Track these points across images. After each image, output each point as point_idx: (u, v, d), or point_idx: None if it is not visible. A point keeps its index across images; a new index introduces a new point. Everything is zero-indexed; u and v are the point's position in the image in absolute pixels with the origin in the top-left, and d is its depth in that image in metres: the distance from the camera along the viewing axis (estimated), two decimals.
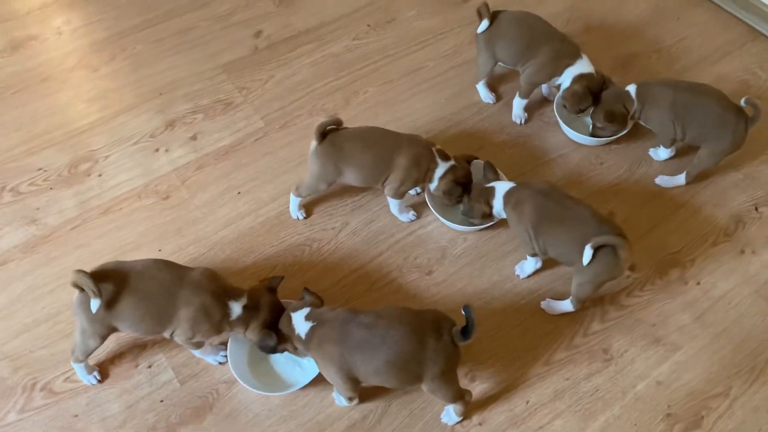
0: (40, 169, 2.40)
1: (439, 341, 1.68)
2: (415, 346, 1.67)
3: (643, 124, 2.33)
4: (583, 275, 1.92)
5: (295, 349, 1.78)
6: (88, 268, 1.71)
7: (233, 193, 2.34)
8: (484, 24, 2.39)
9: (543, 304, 2.07)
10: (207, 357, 1.94)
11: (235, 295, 1.79)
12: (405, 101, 2.61)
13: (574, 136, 2.41)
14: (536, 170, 2.40)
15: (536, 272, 2.14)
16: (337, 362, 1.71)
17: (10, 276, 2.12)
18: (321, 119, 2.38)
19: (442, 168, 2.08)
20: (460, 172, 2.10)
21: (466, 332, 1.69)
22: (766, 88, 2.64)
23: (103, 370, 1.96)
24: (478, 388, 1.94)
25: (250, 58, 2.75)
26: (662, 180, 2.35)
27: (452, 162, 2.11)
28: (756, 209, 2.30)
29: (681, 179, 2.33)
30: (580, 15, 2.90)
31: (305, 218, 2.27)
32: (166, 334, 1.80)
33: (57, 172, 2.39)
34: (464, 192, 2.12)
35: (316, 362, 1.76)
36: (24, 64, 2.69)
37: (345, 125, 2.12)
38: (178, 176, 2.38)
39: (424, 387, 1.74)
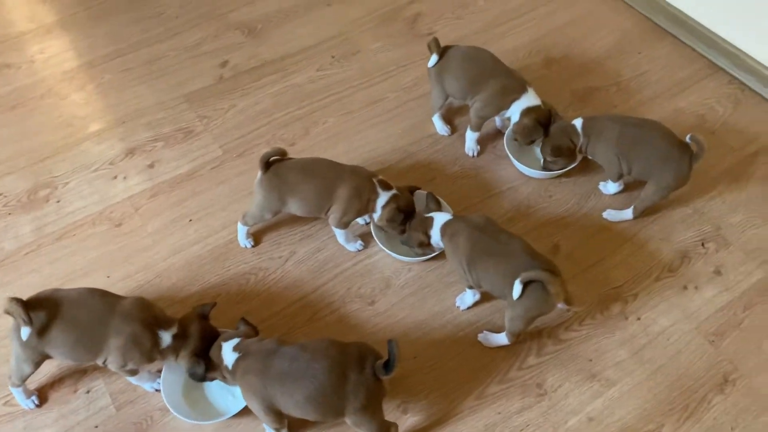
0: (0, 194, 2.46)
1: (360, 375, 1.70)
2: (335, 380, 1.69)
3: (590, 158, 2.35)
4: (514, 309, 1.93)
5: (224, 377, 1.81)
6: (36, 293, 1.76)
7: (185, 221, 2.38)
8: (433, 59, 2.43)
9: (480, 337, 2.08)
10: (143, 384, 1.97)
11: (166, 324, 1.82)
12: (363, 132, 2.65)
13: (524, 169, 2.44)
14: (486, 202, 2.42)
15: (476, 304, 2.15)
16: (259, 394, 1.73)
17: None
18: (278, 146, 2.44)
19: (383, 197, 2.12)
20: (402, 201, 2.13)
21: (388, 366, 1.70)
22: (722, 123, 2.65)
23: (43, 395, 1.99)
24: (409, 421, 1.94)
25: (214, 87, 2.81)
26: (609, 214, 2.36)
27: (394, 191, 2.14)
28: (703, 245, 2.30)
29: (628, 214, 2.34)
30: (541, 48, 2.94)
31: (253, 247, 2.31)
32: (99, 362, 1.83)
33: (17, 197, 2.45)
34: (407, 221, 2.14)
35: (242, 393, 1.79)
36: None
37: (302, 154, 2.18)
38: (133, 204, 2.43)
39: (347, 420, 1.76)
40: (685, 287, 2.20)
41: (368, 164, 2.52)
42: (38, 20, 3.10)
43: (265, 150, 2.13)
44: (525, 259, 1.89)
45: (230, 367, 1.76)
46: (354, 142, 2.62)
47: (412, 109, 2.71)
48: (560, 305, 2.04)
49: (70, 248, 2.32)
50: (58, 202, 2.44)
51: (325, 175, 2.12)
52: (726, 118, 2.67)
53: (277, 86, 2.82)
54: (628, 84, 2.80)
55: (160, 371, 1.97)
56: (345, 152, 2.57)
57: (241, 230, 2.28)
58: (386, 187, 2.14)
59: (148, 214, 2.40)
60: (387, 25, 3.06)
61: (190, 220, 2.39)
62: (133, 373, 1.89)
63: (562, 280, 1.90)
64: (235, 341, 1.80)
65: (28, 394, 1.95)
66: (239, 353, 1.77)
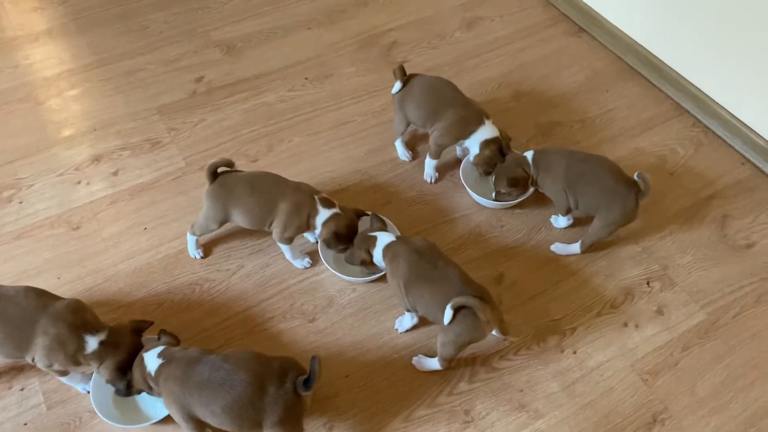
0: None
1: (279, 389, 1.72)
2: (253, 392, 1.71)
3: (540, 190, 2.38)
4: (445, 335, 1.95)
5: (150, 388, 1.83)
6: None
7: (140, 229, 2.43)
8: (397, 86, 2.49)
9: (414, 360, 2.09)
10: (75, 385, 2.00)
11: (94, 329, 1.85)
12: (326, 152, 2.70)
13: (478, 198, 2.47)
14: (438, 228, 2.45)
15: (414, 328, 2.17)
16: (179, 401, 1.75)
17: None
18: (240, 161, 2.50)
19: (323, 215, 2.15)
20: (342, 221, 2.16)
21: (308, 383, 1.72)
22: (682, 165, 2.67)
23: None
24: None
25: (186, 101, 2.88)
26: (557, 247, 2.38)
27: (335, 210, 2.17)
28: (648, 284, 2.31)
29: (576, 248, 2.35)
30: (511, 81, 2.99)
31: (202, 258, 2.34)
32: (28, 360, 1.86)
33: None
34: (348, 241, 2.17)
35: (163, 400, 1.81)
36: None
37: (265, 168, 2.22)
38: (92, 209, 2.48)
39: None
40: (626, 324, 2.21)
41: (327, 184, 2.57)
42: (28, 28, 3.20)
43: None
44: (458, 285, 1.91)
45: (153, 373, 1.79)
46: (316, 161, 2.66)
47: (377, 133, 2.76)
48: (495, 333, 2.06)
49: (25, 248, 2.37)
50: (21, 203, 2.50)
51: (268, 190, 2.16)
52: (686, 161, 2.69)
53: (247, 103, 2.88)
54: (593, 121, 2.84)
55: (93, 373, 1.99)
56: (306, 171, 2.62)
57: (191, 240, 2.32)
58: (328, 204, 2.17)
59: (105, 219, 2.45)
60: (363, 51, 3.12)
61: (145, 228, 2.43)
62: (63, 373, 1.92)
63: (494, 307, 1.91)
64: (159, 349, 1.83)
65: None
66: (163, 360, 1.80)
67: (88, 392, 1.99)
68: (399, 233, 2.31)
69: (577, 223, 2.44)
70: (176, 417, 1.79)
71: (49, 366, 1.85)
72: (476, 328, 1.90)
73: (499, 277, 2.31)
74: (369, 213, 2.26)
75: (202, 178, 2.49)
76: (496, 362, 2.11)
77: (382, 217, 2.23)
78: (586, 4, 3.19)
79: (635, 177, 2.22)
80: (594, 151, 2.60)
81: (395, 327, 2.18)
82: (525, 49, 3.16)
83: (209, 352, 1.82)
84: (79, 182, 2.57)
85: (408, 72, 2.52)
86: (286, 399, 1.72)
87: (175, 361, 1.78)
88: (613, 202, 2.22)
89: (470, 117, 2.39)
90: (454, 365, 2.09)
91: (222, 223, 2.22)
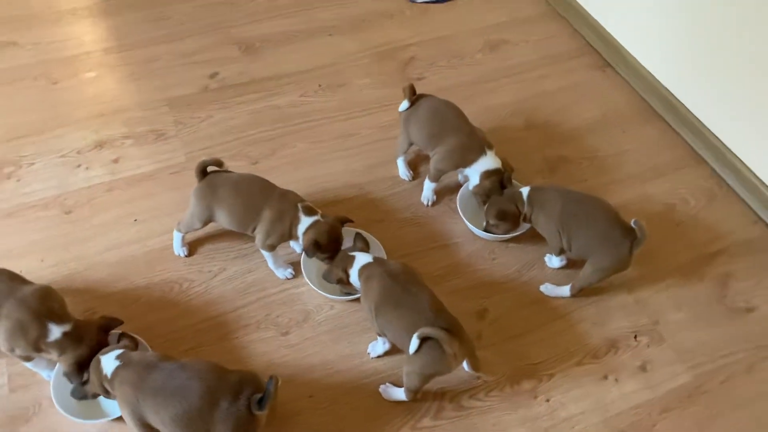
0: None
1: (232, 405, 1.68)
2: (205, 405, 1.68)
3: (535, 228, 2.31)
4: (410, 365, 1.90)
5: (106, 392, 1.81)
6: None
7: (130, 220, 2.43)
8: (404, 104, 2.45)
9: (381, 388, 2.05)
10: (40, 371, 2.00)
11: (60, 319, 1.85)
12: (327, 162, 2.67)
13: (472, 228, 2.41)
14: (427, 252, 2.40)
15: (387, 354, 2.13)
16: (131, 406, 1.73)
17: None
18: (241, 163, 2.48)
19: (305, 223, 2.12)
20: (322, 228, 2.12)
21: (261, 402, 1.69)
22: (691, 216, 2.58)
23: None
24: None
25: (197, 96, 2.88)
26: (547, 288, 2.31)
27: (317, 218, 2.14)
28: (635, 338, 2.22)
29: (565, 291, 2.28)
30: (525, 109, 2.92)
31: (187, 257, 2.33)
32: None
33: None
34: (329, 248, 2.13)
35: (118, 403, 1.79)
36: None
37: (263, 174, 2.24)
38: (88, 194, 2.49)
39: None
40: (606, 377, 2.13)
41: (323, 195, 2.54)
42: (54, 6, 3.24)
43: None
44: (428, 314, 1.86)
45: (109, 376, 1.77)
46: (316, 170, 2.63)
47: (380, 149, 2.72)
48: (467, 368, 2.00)
49: (14, 227, 2.38)
50: (18, 181, 2.52)
51: (253, 194, 2.14)
52: (696, 212, 2.59)
53: (257, 105, 2.87)
54: (604, 160, 2.76)
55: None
56: (304, 179, 2.59)
57: (177, 238, 2.31)
58: (310, 212, 2.14)
59: (98, 206, 2.46)
60: (380, 64, 3.09)
61: (136, 220, 2.43)
62: (26, 359, 1.92)
63: (464, 341, 1.86)
64: (117, 352, 1.81)
65: None
66: (120, 363, 1.78)
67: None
68: (384, 254, 2.26)
69: (572, 265, 2.36)
70: (128, 421, 1.77)
71: (11, 350, 1.85)
72: (442, 361, 1.85)
73: (483, 311, 2.25)
74: (352, 220, 2.22)
75: None
76: (465, 400, 2.05)
77: (366, 236, 2.19)
78: (615, 39, 3.11)
79: (632, 224, 2.14)
80: (600, 192, 2.51)
81: (368, 351, 2.13)
82: (545, 77, 3.09)
83: (167, 359, 1.79)
84: (79, 166, 2.59)
85: (420, 91, 2.48)
86: (238, 416, 1.69)
87: (132, 366, 1.77)
88: (606, 248, 2.14)
89: (472, 145, 2.34)
90: (421, 398, 2.03)
91: (206, 222, 2.20)
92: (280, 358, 2.12)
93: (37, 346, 1.83)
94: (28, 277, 2.00)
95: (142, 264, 2.31)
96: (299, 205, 2.13)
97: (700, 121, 2.78)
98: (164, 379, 1.72)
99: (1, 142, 2.64)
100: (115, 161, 2.61)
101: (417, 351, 1.85)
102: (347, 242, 2.19)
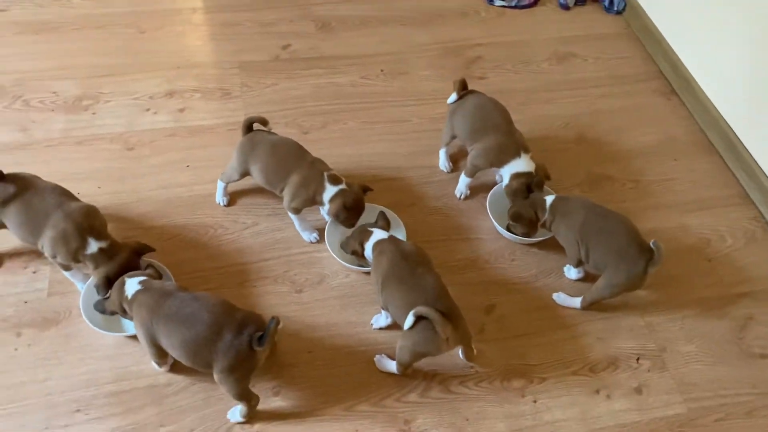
0: (54, 92, 2.83)
1: (235, 338, 1.82)
2: (210, 335, 1.82)
3: (556, 237, 2.35)
4: (403, 340, 1.99)
5: (124, 312, 1.98)
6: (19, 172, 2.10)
7: (183, 165, 2.62)
8: (452, 97, 2.53)
9: (376, 358, 2.14)
10: (76, 282, 2.21)
11: (99, 235, 2.04)
12: (373, 143, 2.78)
13: (498, 227, 2.46)
14: (449, 242, 2.47)
15: (389, 328, 2.22)
16: (145, 327, 1.90)
17: None
18: (292, 131, 2.63)
19: (330, 191, 2.24)
20: (348, 196, 2.24)
21: (261, 339, 1.82)
22: (724, 254, 2.53)
23: (0, 259, 2.28)
24: (275, 404, 2.05)
25: (267, 63, 3.06)
26: (559, 297, 2.34)
27: (342, 186, 2.25)
28: (637, 360, 2.22)
29: (576, 302, 2.30)
30: (579, 124, 2.93)
31: (226, 206, 2.50)
32: (39, 247, 2.09)
33: (64, 99, 2.81)
34: (355, 215, 2.25)
35: (134, 323, 1.96)
36: (91, 9, 3.18)
37: (312, 144, 2.39)
38: (151, 136, 2.71)
39: (214, 376, 1.88)
40: (597, 392, 2.14)
41: (363, 172, 2.65)
42: None
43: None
44: (429, 296, 1.94)
45: (129, 297, 1.94)
46: (361, 148, 2.75)
47: (426, 138, 2.81)
48: (461, 356, 2.07)
49: (82, 154, 2.62)
50: (94, 114, 2.77)
51: (286, 158, 2.28)
52: (731, 251, 2.55)
53: (320, 80, 3.01)
54: (649, 185, 2.74)
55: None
56: (348, 155, 2.71)
57: (219, 187, 2.48)
58: (335, 181, 2.26)
59: (158, 148, 2.67)
60: (445, 58, 3.17)
61: (188, 166, 2.62)
62: (66, 267, 2.13)
63: (459, 328, 1.93)
64: (141, 278, 1.98)
65: None
66: (141, 287, 1.95)
67: None
68: (404, 235, 2.35)
69: (589, 279, 2.37)
70: (142, 341, 1.94)
71: (54, 257, 2.06)
72: (433, 342, 1.93)
73: (491, 307, 2.31)
74: (372, 189, 2.33)
75: None
76: (453, 386, 2.12)
77: (391, 216, 2.29)
78: (686, 68, 3.06)
79: (651, 244, 2.14)
80: (637, 217, 2.50)
81: (371, 322, 2.23)
82: (607, 96, 3.08)
83: (183, 290, 1.95)
84: (148, 109, 2.81)
85: (479, 90, 2.55)
86: (239, 349, 1.82)
87: (151, 291, 1.93)
88: (620, 264, 2.16)
89: (508, 146, 2.39)
90: (411, 374, 2.12)
91: (242, 175, 2.36)
92: (289, 312, 2.25)
93: (75, 257, 2.04)
94: (83, 200, 2.20)
95: (185, 206, 2.50)
96: (325, 174, 2.25)
97: (756, 162, 2.71)
98: (178, 306, 1.88)
99: (85, 77, 2.89)
100: (181, 111, 2.82)
101: (411, 328, 1.93)
102: (372, 219, 2.29)
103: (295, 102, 2.91)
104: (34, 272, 2.27)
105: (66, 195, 2.11)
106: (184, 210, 2.48)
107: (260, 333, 1.83)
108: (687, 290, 2.41)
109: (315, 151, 2.38)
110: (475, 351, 2.12)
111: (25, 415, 1.96)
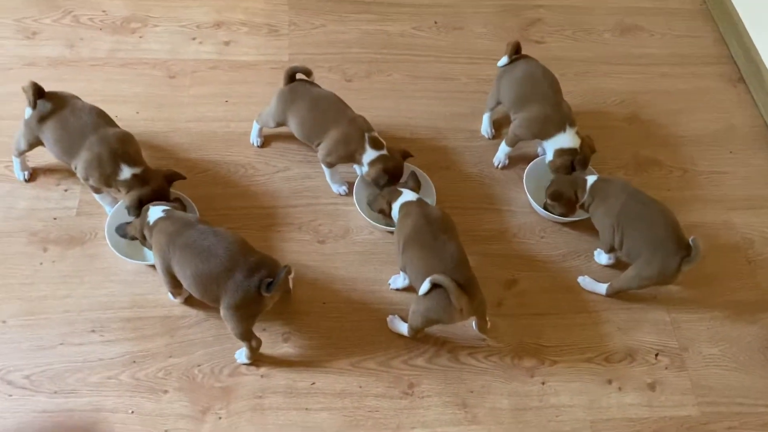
0: (104, 11, 2.81)
1: (245, 280, 1.82)
2: (222, 272, 1.83)
3: (591, 218, 2.26)
4: (417, 305, 1.96)
5: (144, 238, 1.99)
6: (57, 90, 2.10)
7: (222, 99, 2.60)
8: (503, 60, 2.42)
9: (389, 318, 2.13)
10: (104, 204, 2.23)
11: (132, 162, 2.05)
12: (416, 99, 2.70)
13: (532, 202, 2.39)
14: (479, 211, 2.42)
15: (405, 290, 2.19)
16: (162, 254, 1.92)
17: (23, 76, 2.53)
18: (335, 77, 2.57)
19: (370, 155, 2.19)
20: (390, 163, 2.20)
21: (269, 286, 1.82)
22: (765, 258, 2.41)
23: (34, 174, 2.33)
24: (283, 349, 2.06)
25: (318, 3, 2.98)
26: (584, 281, 2.27)
27: (383, 152, 2.20)
28: (656, 356, 2.16)
29: (602, 288, 2.24)
30: (635, 102, 2.79)
31: (260, 147, 2.48)
32: (73, 167, 2.11)
33: (113, 19, 2.79)
34: (393, 182, 2.21)
35: (153, 249, 1.98)
36: None
37: (355, 94, 2.41)
38: (193, 66, 2.68)
39: (220, 312, 1.90)
40: (610, 382, 2.10)
41: (400, 128, 2.59)
42: None
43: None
44: (448, 264, 1.90)
45: (151, 223, 1.95)
46: (402, 103, 2.68)
47: (472, 100, 2.71)
48: (475, 329, 2.04)
49: (125, 77, 2.62)
50: (141, 37, 2.75)
51: (326, 112, 2.23)
52: None
53: (370, 26, 2.92)
54: (697, 176, 2.61)
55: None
56: (388, 108, 2.65)
57: (255, 128, 2.45)
58: (376, 145, 2.20)
59: (199, 79, 2.65)
60: (503, 17, 3.03)
61: (227, 101, 2.60)
62: (96, 190, 2.15)
63: (475, 300, 1.90)
64: (165, 207, 1.99)
65: (24, 167, 2.28)
66: (163, 215, 1.96)
67: None
68: (434, 199, 2.30)
69: (619, 265, 2.29)
70: (158, 267, 1.96)
71: (86, 179, 2.08)
72: (446, 311, 1.90)
73: (512, 281, 2.26)
74: (413, 155, 2.27)
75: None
76: (463, 356, 2.10)
77: (422, 177, 2.24)
78: (760, 56, 2.86)
79: (690, 241, 2.04)
80: (680, 207, 2.40)
81: (389, 281, 2.21)
82: (669, 76, 2.92)
83: (205, 223, 1.95)
84: (194, 39, 2.77)
85: (534, 56, 2.45)
86: (247, 290, 1.83)
87: (172, 219, 1.94)
88: (654, 256, 2.07)
89: (554, 119, 2.29)
90: (422, 338, 2.10)
91: (279, 124, 2.33)
92: (310, 261, 2.24)
93: (108, 181, 2.05)
94: (120, 123, 2.21)
95: (220, 141, 2.48)
96: (366, 135, 2.19)
97: None
98: (196, 238, 1.88)
99: (134, 0, 2.86)
100: (226, 43, 2.77)
101: (426, 294, 1.90)
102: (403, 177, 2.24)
103: (341, 47, 2.83)
104: (66, 190, 2.30)
105: (103, 118, 2.11)
106: (218, 145, 2.47)
107: (271, 279, 1.83)
108: (721, 290, 2.31)
109: (355, 102, 2.33)
110: (489, 324, 2.09)
111: (43, 328, 2.02)
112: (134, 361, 2.00)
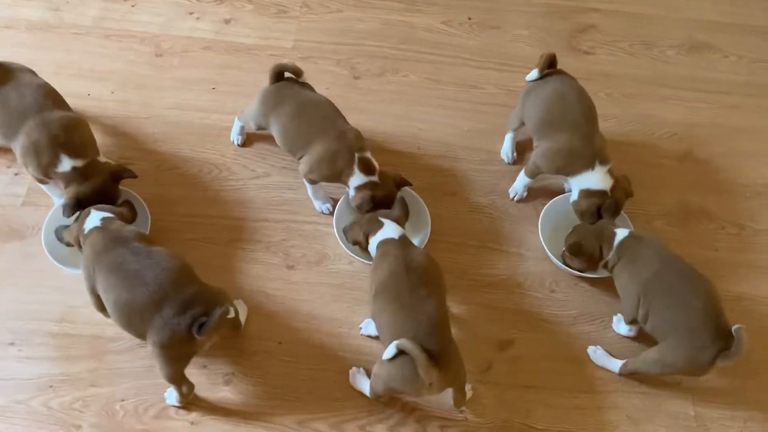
0: None
1: (175, 317, 1.54)
2: (148, 304, 1.55)
3: (613, 280, 1.87)
4: (379, 368, 1.63)
5: (79, 245, 1.72)
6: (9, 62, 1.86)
7: (209, 86, 2.30)
8: (533, 74, 2.03)
9: (352, 371, 1.81)
10: (52, 196, 1.97)
11: (75, 153, 1.78)
12: (430, 107, 2.34)
13: (546, 248, 2.00)
14: (482, 250, 2.05)
15: (378, 338, 1.85)
16: (88, 271, 1.65)
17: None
18: (342, 72, 2.26)
19: (358, 179, 1.86)
20: (379, 192, 1.86)
21: (201, 328, 1.52)
22: None
23: None
24: (223, 393, 1.77)
25: None
26: (595, 353, 1.89)
27: (374, 178, 1.86)
28: None
29: (615, 365, 1.85)
30: (692, 137, 2.35)
31: (240, 146, 2.17)
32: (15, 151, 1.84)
33: None
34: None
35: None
36: None
37: (362, 93, 2.16)
38: (185, 45, 2.40)
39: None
40: None
41: (407, 140, 2.25)
42: None
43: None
44: (421, 327, 1.56)
45: (85, 232, 1.68)
46: (414, 110, 2.32)
47: (497, 115, 2.32)
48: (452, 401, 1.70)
49: (107, 50, 2.35)
50: (133, 6, 2.47)
51: (312, 121, 1.90)
52: None
53: (392, 15, 2.56)
54: (755, 236, 2.16)
55: None
56: (397, 115, 2.30)
57: (236, 124, 2.15)
58: (367, 169, 1.86)
59: (188, 60, 2.36)
60: (550, 19, 2.61)
61: (214, 89, 2.30)
62: (40, 180, 1.89)
63: (449, 374, 1.58)
64: (107, 214, 1.71)
65: None
66: (100, 225, 1.68)
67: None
68: (427, 230, 1.95)
69: (641, 337, 1.90)
70: (85, 282, 1.68)
71: (26, 167, 1.83)
72: (411, 384, 1.57)
73: (507, 342, 1.90)
74: (411, 184, 1.94)
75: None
76: (432, 428, 1.76)
77: (414, 202, 1.93)
78: None
79: (733, 330, 1.63)
80: (729, 273, 2.03)
81: (361, 325, 1.88)
82: (739, 109, 2.45)
83: (144, 241, 1.67)
84: (191, 13, 2.48)
85: (580, 69, 2.18)
86: (175, 330, 1.54)
87: (106, 232, 1.66)
88: (683, 343, 1.68)
89: (582, 153, 1.90)
90: (386, 402, 1.77)
91: (259, 127, 2.03)
92: (272, 290, 1.93)
93: (46, 172, 1.79)
94: (91, 103, 2.01)
95: (196, 135, 2.19)
96: (357, 156, 1.85)
97: None
98: (125, 259, 1.60)
99: None
100: (227, 22, 2.46)
101: (391, 359, 1.57)
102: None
103: (355, 37, 2.48)
104: (16, 174, 2.06)
105: (52, 98, 1.85)
106: (193, 139, 2.18)
107: (202, 319, 1.52)
108: (764, 385, 1.88)
109: (360, 103, 2.07)
110: (469, 393, 1.74)
111: None
112: (51, 386, 1.74)
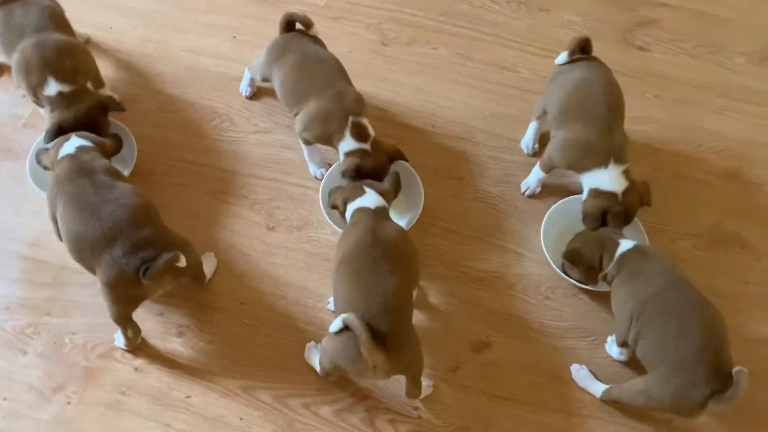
0: None
1: (123, 257, 1.49)
2: (99, 240, 1.51)
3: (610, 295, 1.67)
4: (326, 341, 1.53)
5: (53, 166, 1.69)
6: None
7: (230, 34, 2.25)
8: (562, 57, 1.85)
9: (309, 345, 1.70)
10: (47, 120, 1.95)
11: (63, 77, 1.76)
12: (456, 84, 2.19)
13: (546, 253, 1.82)
14: (477, 243, 1.89)
15: None
16: (51, 199, 1.63)
17: None
18: (371, 36, 2.18)
19: (349, 144, 1.74)
20: (368, 162, 1.74)
21: (146, 271, 1.46)
22: None
23: (1, 70, 2.09)
24: (173, 344, 1.72)
25: None
26: (578, 373, 1.70)
27: (365, 146, 1.74)
28: None
29: (598, 389, 1.66)
30: (743, 155, 2.10)
31: (247, 98, 2.10)
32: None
33: None
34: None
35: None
36: None
37: (387, 60, 2.10)
38: None
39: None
40: None
41: (424, 117, 2.12)
42: None
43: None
44: (375, 303, 1.44)
45: (59, 157, 1.64)
46: (438, 85, 2.18)
47: (525, 102, 2.15)
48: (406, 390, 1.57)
49: None
50: None
51: (312, 76, 1.80)
52: None
53: None
54: None
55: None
56: (417, 88, 2.17)
57: (246, 75, 2.08)
58: (360, 135, 1.74)
59: (214, 5, 2.33)
60: (609, 8, 2.39)
61: (234, 37, 2.24)
62: (36, 103, 1.86)
63: (398, 361, 1.45)
64: (85, 142, 1.67)
65: None
66: (74, 152, 1.64)
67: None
68: (417, 213, 1.81)
69: (633, 363, 1.69)
70: (48, 210, 1.65)
71: (18, 86, 1.82)
72: (353, 363, 1.45)
73: (484, 344, 1.74)
74: (407, 159, 1.80)
75: (326, 29, 2.19)
76: (380, 422, 1.64)
77: (409, 178, 1.80)
78: None
79: (733, 372, 1.42)
80: (756, 311, 1.82)
81: (329, 299, 1.76)
82: None
83: (110, 174, 1.61)
84: None
85: (631, 67, 2.11)
86: (122, 270, 1.49)
87: (76, 161, 1.62)
88: (672, 377, 1.48)
89: (597, 147, 1.70)
90: (339, 383, 1.66)
91: (264, 78, 1.95)
92: (247, 248, 1.85)
93: (35, 93, 1.78)
94: (111, 36, 2.01)
95: (207, 82, 2.13)
96: (350, 119, 1.73)
97: None
98: (84, 190, 1.56)
99: None
100: None
101: (338, 333, 1.45)
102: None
103: (393, 2, 2.35)
104: (24, 96, 2.04)
105: (55, 20, 1.83)
106: (203, 85, 2.12)
107: (155, 264, 1.45)
108: None
109: (382, 71, 2.00)
110: (428, 389, 1.61)
111: None
112: (7, 308, 1.74)
